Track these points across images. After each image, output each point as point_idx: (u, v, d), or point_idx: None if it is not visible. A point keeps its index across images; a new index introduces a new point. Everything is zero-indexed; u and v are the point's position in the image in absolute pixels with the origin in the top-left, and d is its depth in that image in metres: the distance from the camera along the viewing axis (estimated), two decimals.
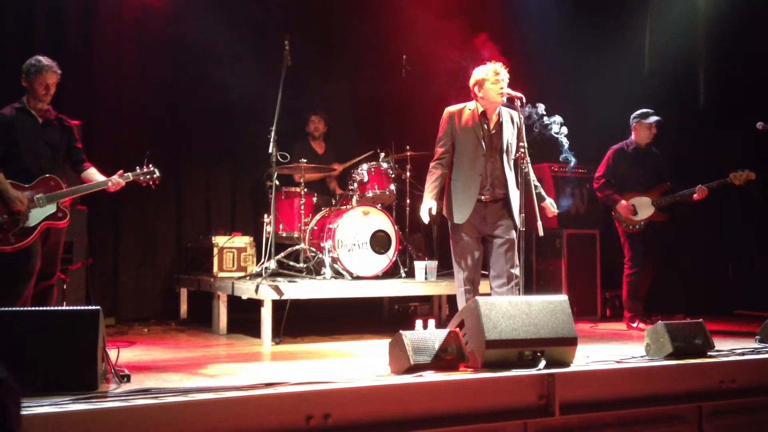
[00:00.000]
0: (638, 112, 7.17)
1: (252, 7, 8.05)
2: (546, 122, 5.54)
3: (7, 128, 5.06)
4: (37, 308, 4.47)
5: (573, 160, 6.15)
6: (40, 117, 5.17)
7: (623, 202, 6.99)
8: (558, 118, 5.56)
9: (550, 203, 5.51)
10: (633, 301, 7.02)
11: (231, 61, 7.55)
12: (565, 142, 5.69)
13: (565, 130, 5.61)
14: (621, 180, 7.13)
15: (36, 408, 3.10)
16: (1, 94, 6.49)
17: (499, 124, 5.33)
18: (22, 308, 4.58)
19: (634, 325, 6.91)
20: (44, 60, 5.09)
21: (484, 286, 5.51)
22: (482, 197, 5.27)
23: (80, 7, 7.32)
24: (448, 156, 5.38)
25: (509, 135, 5.32)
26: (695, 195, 6.87)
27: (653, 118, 7.07)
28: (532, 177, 5.51)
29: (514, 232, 5.24)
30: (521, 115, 5.30)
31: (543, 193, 5.53)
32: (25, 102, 5.15)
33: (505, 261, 5.23)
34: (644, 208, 7.01)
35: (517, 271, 5.22)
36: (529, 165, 5.48)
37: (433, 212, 5.31)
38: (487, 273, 5.46)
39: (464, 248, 5.29)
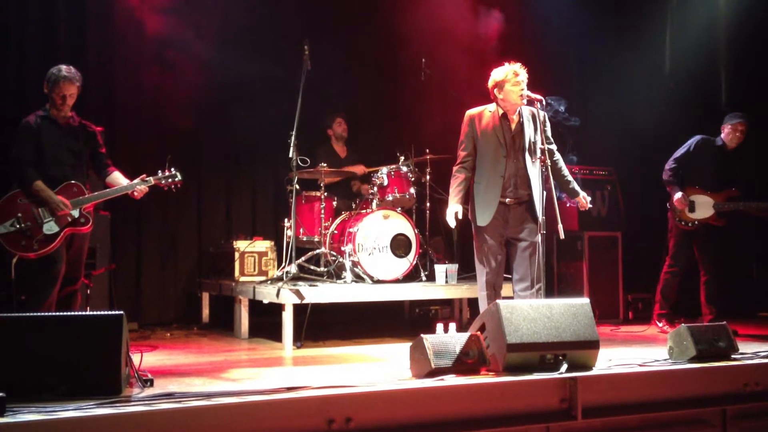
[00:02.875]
0: (730, 114, 6.91)
1: (271, 12, 8.08)
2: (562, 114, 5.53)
3: (34, 136, 5.13)
4: (61, 313, 4.54)
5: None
6: (63, 124, 5.22)
7: (680, 194, 6.71)
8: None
9: (583, 197, 5.45)
10: (665, 299, 6.89)
11: (251, 65, 7.59)
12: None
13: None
14: (692, 171, 6.86)
15: (61, 412, 3.13)
16: (22, 100, 6.62)
17: (520, 124, 5.31)
18: (46, 313, 4.63)
19: (660, 324, 6.82)
20: (65, 71, 5.13)
21: (506, 289, 5.49)
22: (506, 200, 5.25)
23: (101, 13, 7.37)
24: (470, 159, 5.37)
25: (531, 134, 5.27)
26: None
27: (735, 120, 6.79)
28: (565, 172, 5.48)
29: (538, 235, 5.19)
30: (544, 114, 5.28)
31: (577, 187, 5.49)
32: (48, 109, 5.20)
33: (530, 264, 5.18)
34: (703, 207, 6.75)
35: (541, 274, 5.19)
36: (561, 161, 5.46)
37: (459, 216, 5.30)
38: (509, 276, 5.44)
39: (488, 251, 5.28)
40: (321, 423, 3.41)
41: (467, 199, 5.41)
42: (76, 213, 5.15)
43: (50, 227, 5.05)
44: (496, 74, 5.30)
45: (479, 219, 5.28)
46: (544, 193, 5.15)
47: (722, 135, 6.89)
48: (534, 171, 5.22)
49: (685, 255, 6.88)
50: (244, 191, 8.28)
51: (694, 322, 4.90)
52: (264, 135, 7.86)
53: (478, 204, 5.30)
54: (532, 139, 5.27)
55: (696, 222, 6.77)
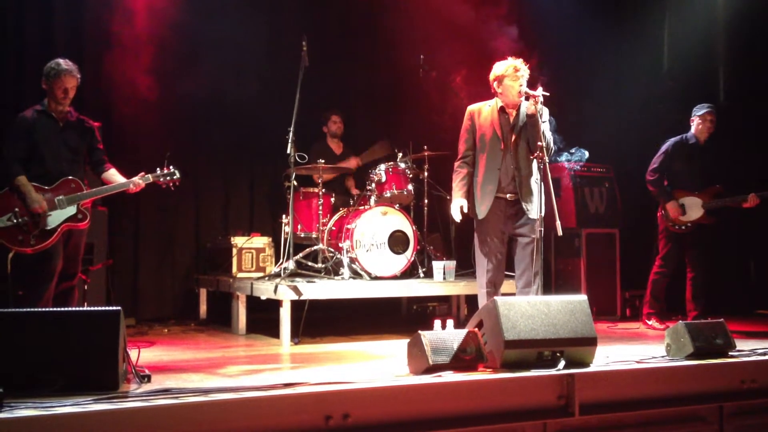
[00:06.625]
0: (697, 105, 6.94)
1: (269, 8, 8.07)
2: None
3: (28, 131, 5.10)
4: (58, 309, 4.52)
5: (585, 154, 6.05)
6: (61, 119, 5.20)
7: (673, 201, 6.78)
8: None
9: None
10: (655, 300, 6.93)
11: (249, 62, 7.57)
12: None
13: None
14: (674, 176, 6.92)
15: (58, 408, 3.13)
16: (20, 96, 6.60)
17: (519, 118, 5.31)
18: (44, 309, 4.62)
19: (650, 323, 6.85)
20: (63, 64, 5.11)
21: (507, 286, 5.48)
22: (506, 195, 5.25)
23: (99, 8, 7.35)
24: (471, 154, 5.39)
25: (531, 129, 5.27)
26: (745, 203, 6.67)
27: (704, 110, 6.85)
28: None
29: (539, 231, 5.16)
30: (544, 110, 5.26)
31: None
32: (46, 104, 5.18)
33: (531, 261, 5.20)
34: (694, 208, 6.78)
35: (541, 271, 5.18)
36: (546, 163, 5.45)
37: (464, 210, 5.31)
38: (510, 273, 5.43)
39: (489, 248, 5.28)
40: (318, 419, 3.41)
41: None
42: (73, 209, 5.14)
43: (47, 222, 5.04)
44: (497, 68, 5.32)
45: (478, 212, 5.29)
46: (543, 187, 5.14)
47: (692, 130, 6.94)
48: (533, 166, 5.21)
49: (675, 257, 6.92)
50: (242, 187, 8.28)
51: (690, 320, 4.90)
52: (262, 131, 7.85)
53: (476, 197, 5.31)
54: (532, 134, 5.25)
55: (689, 224, 6.81)
